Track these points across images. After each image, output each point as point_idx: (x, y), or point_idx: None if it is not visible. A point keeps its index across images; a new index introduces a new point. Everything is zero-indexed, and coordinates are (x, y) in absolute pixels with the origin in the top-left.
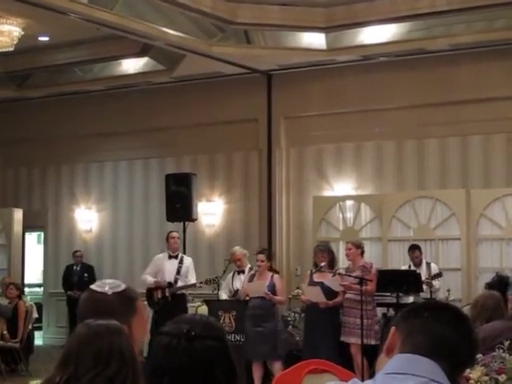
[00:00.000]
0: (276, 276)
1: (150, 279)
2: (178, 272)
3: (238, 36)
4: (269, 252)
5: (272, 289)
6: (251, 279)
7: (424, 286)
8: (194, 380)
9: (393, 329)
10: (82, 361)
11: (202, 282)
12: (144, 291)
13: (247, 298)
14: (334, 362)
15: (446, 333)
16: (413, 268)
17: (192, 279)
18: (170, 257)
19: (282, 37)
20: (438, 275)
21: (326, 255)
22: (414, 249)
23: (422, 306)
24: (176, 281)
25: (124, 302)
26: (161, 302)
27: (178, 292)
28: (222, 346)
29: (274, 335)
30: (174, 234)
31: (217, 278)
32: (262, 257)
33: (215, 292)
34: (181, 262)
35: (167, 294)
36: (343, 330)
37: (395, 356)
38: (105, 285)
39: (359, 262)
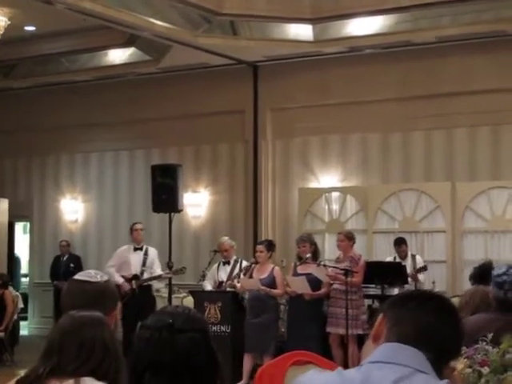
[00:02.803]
0: (277, 268)
1: (117, 278)
2: (144, 264)
3: (224, 27)
4: (271, 244)
5: (272, 281)
6: (246, 271)
7: (409, 279)
8: (177, 373)
9: (380, 316)
10: (65, 352)
11: (168, 272)
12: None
13: (245, 294)
14: (318, 353)
15: (431, 322)
16: (398, 260)
17: (158, 270)
18: (136, 249)
19: (268, 28)
20: (423, 269)
21: (307, 245)
22: (400, 243)
23: (410, 296)
24: (142, 272)
25: (113, 288)
26: (128, 295)
27: (145, 284)
28: (204, 338)
29: (269, 328)
30: (138, 226)
31: (184, 268)
32: (260, 247)
33: (200, 283)
34: (146, 253)
35: (134, 287)
36: (330, 321)
37: (382, 345)
38: (90, 274)
39: (349, 253)
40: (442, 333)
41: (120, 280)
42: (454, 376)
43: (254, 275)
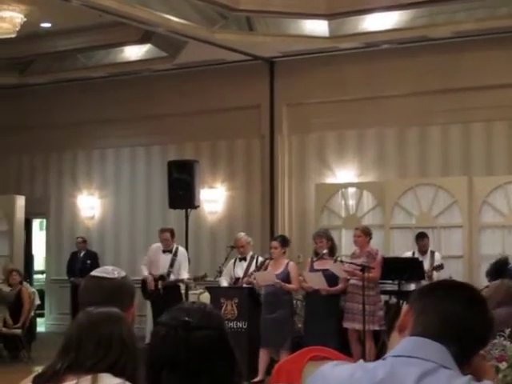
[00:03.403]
0: (291, 263)
1: (144, 272)
2: (172, 265)
3: (240, 23)
4: (285, 239)
5: (286, 276)
6: (261, 267)
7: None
8: (193, 370)
9: (407, 307)
10: (82, 348)
11: (190, 279)
12: (140, 279)
13: (261, 290)
14: (335, 348)
15: (456, 312)
16: (417, 255)
17: (183, 272)
18: (164, 251)
19: (284, 24)
20: (439, 267)
21: (324, 240)
22: (423, 237)
23: (438, 285)
24: (169, 274)
25: (130, 284)
26: (154, 295)
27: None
28: (220, 335)
29: (284, 323)
30: (163, 236)
31: (205, 274)
32: (275, 244)
33: (217, 279)
34: (175, 254)
35: (159, 287)
36: (346, 316)
37: (405, 339)
38: (107, 270)
39: (366, 249)
40: (468, 323)
41: (146, 274)
42: (485, 365)
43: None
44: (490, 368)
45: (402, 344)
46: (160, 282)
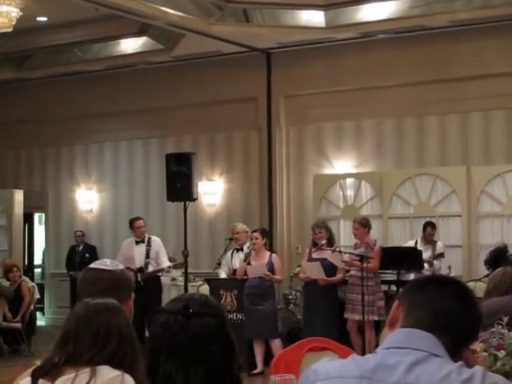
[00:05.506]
0: (274, 255)
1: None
2: (148, 255)
3: (237, 14)
4: (265, 231)
5: (270, 268)
6: (246, 258)
7: (425, 265)
8: (191, 356)
9: (396, 302)
10: (80, 340)
11: (170, 267)
12: None
13: (245, 278)
14: (334, 338)
15: (446, 307)
16: (419, 243)
17: (163, 259)
18: (137, 242)
19: (280, 15)
20: (440, 255)
21: (322, 231)
22: (433, 226)
23: (426, 280)
24: (147, 265)
25: (129, 277)
26: (134, 288)
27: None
28: (219, 323)
29: (274, 314)
30: (138, 224)
31: (183, 263)
32: (256, 234)
33: (216, 271)
34: (148, 244)
35: (139, 279)
36: (347, 307)
37: (396, 330)
38: (105, 263)
39: (365, 240)
40: (458, 317)
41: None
42: (475, 358)
43: (251, 262)
44: (482, 362)
45: (392, 336)
46: (139, 275)
